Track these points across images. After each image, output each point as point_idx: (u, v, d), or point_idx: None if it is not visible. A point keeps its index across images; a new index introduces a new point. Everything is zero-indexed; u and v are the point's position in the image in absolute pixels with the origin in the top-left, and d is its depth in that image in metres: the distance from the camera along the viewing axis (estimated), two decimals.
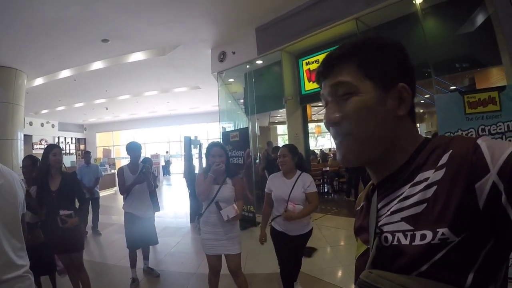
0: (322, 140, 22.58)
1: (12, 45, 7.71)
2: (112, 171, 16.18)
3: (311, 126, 18.47)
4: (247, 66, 8.78)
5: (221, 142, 8.20)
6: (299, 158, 3.25)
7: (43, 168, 3.33)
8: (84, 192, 4.59)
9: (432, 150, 0.67)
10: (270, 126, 16.79)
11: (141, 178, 4.22)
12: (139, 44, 8.49)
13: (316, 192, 3.18)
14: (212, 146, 3.29)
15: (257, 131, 10.66)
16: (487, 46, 5.07)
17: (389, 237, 0.66)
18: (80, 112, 19.06)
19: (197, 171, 8.44)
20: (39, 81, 11.18)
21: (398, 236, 0.64)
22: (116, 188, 15.03)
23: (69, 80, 11.17)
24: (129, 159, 4.49)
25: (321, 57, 7.14)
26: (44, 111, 17.77)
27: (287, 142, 8.96)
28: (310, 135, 12.81)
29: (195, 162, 8.81)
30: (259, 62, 8.49)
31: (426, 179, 0.63)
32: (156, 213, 5.00)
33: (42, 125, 20.37)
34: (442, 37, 5.55)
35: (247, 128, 8.09)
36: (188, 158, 8.37)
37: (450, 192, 0.59)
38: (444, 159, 0.62)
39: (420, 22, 5.58)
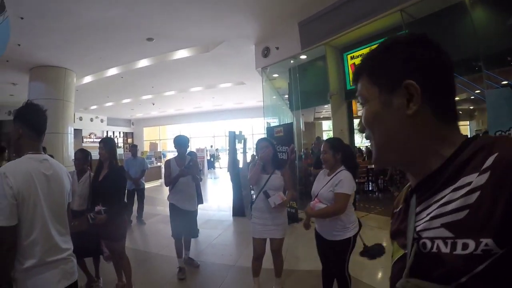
0: None
1: (61, 46, 8.27)
2: (158, 164, 16.80)
3: (357, 122, 18.04)
4: (291, 61, 8.72)
5: (266, 137, 8.28)
6: (343, 153, 3.02)
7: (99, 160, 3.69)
8: (126, 187, 4.43)
9: (475, 152, 0.62)
10: (315, 121, 16.59)
11: (185, 172, 4.29)
12: (183, 42, 8.73)
13: (345, 194, 2.80)
14: (259, 141, 3.63)
15: (302, 126, 10.58)
16: None
17: (428, 243, 0.62)
18: (128, 108, 19.98)
19: (241, 165, 8.56)
20: (87, 79, 11.86)
21: (437, 244, 0.60)
22: (162, 180, 15.60)
23: (117, 78, 11.77)
24: (176, 153, 4.58)
25: (366, 50, 6.92)
26: (93, 107, 18.84)
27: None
28: (356, 131, 12.52)
29: (239, 157, 8.93)
30: (303, 57, 8.39)
31: (469, 184, 0.58)
32: (200, 206, 5.11)
33: (91, 120, 21.69)
34: (492, 28, 5.11)
35: (291, 124, 8.06)
36: (232, 152, 8.48)
37: (495, 199, 0.54)
38: (489, 162, 0.57)
39: (468, 13, 5.23)
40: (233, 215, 7.61)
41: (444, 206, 0.61)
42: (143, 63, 10.27)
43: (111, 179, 3.51)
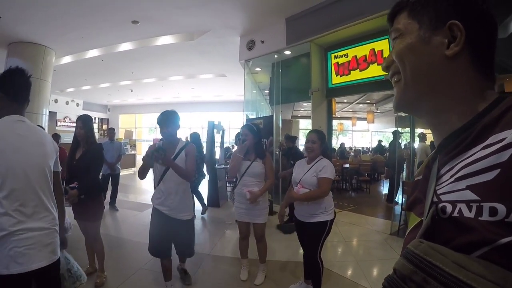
0: (342, 139, 22.48)
1: (42, 22, 7.89)
2: (133, 152, 16.64)
3: (334, 123, 18.33)
4: (275, 56, 8.71)
5: (249, 124, 8.28)
6: (325, 144, 3.29)
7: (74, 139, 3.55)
8: (101, 168, 3.85)
9: (508, 106, 0.55)
10: (293, 119, 16.71)
11: (156, 157, 2.93)
12: (168, 28, 8.53)
13: (328, 178, 3.02)
14: (242, 128, 3.75)
15: (279, 123, 10.64)
16: None
17: (448, 207, 0.54)
18: (105, 93, 19.37)
19: (217, 156, 8.51)
20: (66, 59, 11.35)
21: (460, 207, 0.52)
22: (135, 168, 15.33)
23: (97, 60, 11.33)
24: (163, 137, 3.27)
25: (350, 51, 7.04)
26: (69, 90, 18.09)
27: None
28: (332, 131, 12.76)
29: (217, 150, 8.83)
30: (287, 52, 8.39)
31: (501, 140, 0.50)
32: None
33: (67, 103, 20.75)
34: None
35: (271, 116, 8.11)
36: (210, 143, 8.35)
37: None
38: None
39: None
40: (207, 205, 7.58)
41: (472, 165, 0.53)
42: (125, 46, 9.93)
43: (89, 157, 3.42)
